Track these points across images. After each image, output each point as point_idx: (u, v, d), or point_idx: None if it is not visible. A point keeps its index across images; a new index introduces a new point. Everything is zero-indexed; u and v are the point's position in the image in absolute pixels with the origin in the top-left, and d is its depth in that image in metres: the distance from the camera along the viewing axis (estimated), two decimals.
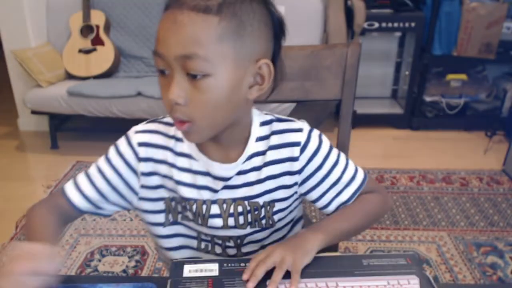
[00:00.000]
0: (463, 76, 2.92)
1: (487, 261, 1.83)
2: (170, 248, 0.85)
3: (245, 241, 0.82)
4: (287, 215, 0.84)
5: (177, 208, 0.79)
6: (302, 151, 0.77)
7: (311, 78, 1.01)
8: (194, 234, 0.82)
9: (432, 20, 2.74)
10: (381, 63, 3.12)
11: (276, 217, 0.81)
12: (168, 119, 0.78)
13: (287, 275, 0.67)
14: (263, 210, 0.79)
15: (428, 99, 2.96)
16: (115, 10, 2.79)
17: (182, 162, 0.76)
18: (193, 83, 0.64)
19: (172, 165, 0.76)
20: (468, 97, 2.96)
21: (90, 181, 0.77)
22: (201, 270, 0.70)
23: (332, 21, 2.69)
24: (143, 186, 0.78)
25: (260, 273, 0.66)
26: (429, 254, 1.87)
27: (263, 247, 0.84)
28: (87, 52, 2.72)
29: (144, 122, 0.79)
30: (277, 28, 0.70)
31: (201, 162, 0.76)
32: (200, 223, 0.78)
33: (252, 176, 0.77)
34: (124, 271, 1.76)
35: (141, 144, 0.76)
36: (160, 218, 0.82)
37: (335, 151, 0.80)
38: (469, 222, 2.07)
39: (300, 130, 0.77)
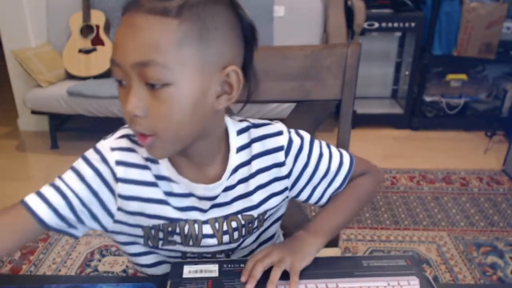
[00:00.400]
0: (463, 76, 2.92)
1: (487, 261, 1.83)
2: (146, 265, 0.80)
3: (236, 251, 0.80)
4: (273, 214, 0.81)
5: (157, 235, 0.72)
6: (286, 154, 0.73)
7: (311, 78, 1.01)
8: (178, 254, 0.77)
9: (432, 20, 2.74)
10: (381, 63, 3.12)
11: (265, 223, 0.80)
12: None
13: (285, 276, 0.67)
14: (256, 222, 0.76)
15: (428, 99, 2.96)
16: (115, 10, 2.79)
17: (162, 185, 0.69)
18: (153, 93, 0.58)
19: (154, 185, 0.69)
20: (468, 97, 2.96)
21: (59, 192, 0.67)
22: (201, 271, 0.69)
23: (332, 21, 2.69)
24: (120, 209, 0.69)
25: (258, 273, 0.65)
26: (429, 254, 1.87)
27: (252, 251, 0.83)
28: (87, 52, 2.72)
29: (115, 136, 0.70)
30: (248, 33, 0.64)
31: (182, 185, 0.69)
32: (192, 244, 0.73)
33: (240, 189, 0.72)
34: (124, 271, 1.76)
35: (118, 163, 0.67)
36: (137, 248, 0.76)
37: (316, 143, 0.77)
38: (469, 222, 2.07)
39: (280, 133, 0.73)
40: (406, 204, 2.21)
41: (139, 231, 0.72)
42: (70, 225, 0.68)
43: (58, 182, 0.68)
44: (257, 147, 0.72)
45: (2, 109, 3.20)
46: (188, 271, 0.69)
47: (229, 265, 0.71)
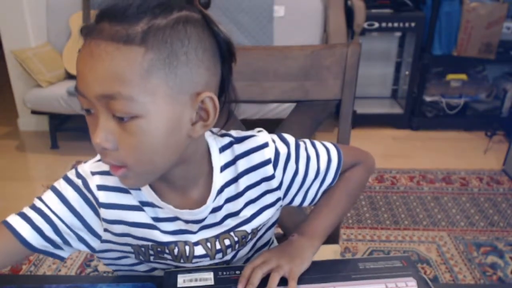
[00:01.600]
0: (463, 76, 2.92)
1: (487, 261, 1.83)
2: (144, 271, 0.78)
3: (231, 262, 0.77)
4: (267, 223, 0.78)
5: (148, 252, 0.70)
6: (275, 166, 0.69)
7: (311, 78, 1.01)
8: (170, 266, 0.74)
9: (432, 20, 2.74)
10: (381, 63, 3.12)
11: (259, 232, 0.77)
12: None
13: (283, 282, 0.66)
14: (249, 236, 0.73)
15: (428, 99, 2.96)
16: None
17: (147, 210, 0.66)
18: (122, 126, 0.54)
19: (139, 209, 0.66)
20: (468, 97, 2.96)
21: (41, 214, 0.64)
22: (196, 280, 0.67)
23: (332, 21, 2.69)
24: (106, 230, 0.67)
25: (257, 280, 0.64)
26: (429, 254, 1.87)
27: (248, 259, 0.81)
28: None
29: (95, 159, 0.68)
30: (224, 49, 0.60)
31: (166, 210, 0.66)
32: (183, 262, 0.71)
33: (228, 208, 0.69)
34: None
35: (100, 188, 0.64)
36: (129, 260, 0.74)
37: (302, 147, 0.73)
38: (469, 222, 2.07)
39: (265, 145, 0.69)
40: (406, 204, 2.21)
41: (129, 248, 0.70)
42: (56, 246, 0.66)
43: (39, 205, 0.65)
44: (242, 164, 0.68)
45: (2, 109, 3.20)
46: (183, 280, 0.67)
47: (225, 273, 0.69)
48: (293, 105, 1.02)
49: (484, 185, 2.36)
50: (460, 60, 2.81)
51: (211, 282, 0.67)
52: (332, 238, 1.09)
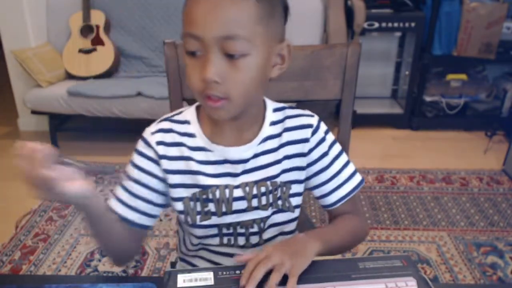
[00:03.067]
0: (463, 76, 2.92)
1: (487, 261, 1.83)
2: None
3: (267, 224, 0.82)
4: (301, 204, 0.85)
5: (195, 207, 0.80)
6: (313, 133, 0.81)
7: (311, 78, 1.01)
8: (214, 231, 0.82)
9: (432, 20, 2.74)
10: (381, 63, 3.12)
11: (293, 201, 0.83)
12: (179, 117, 0.81)
13: (283, 280, 0.66)
14: (279, 190, 0.81)
15: (428, 99, 2.96)
16: (115, 10, 2.79)
17: (198, 155, 0.78)
18: (231, 62, 0.66)
19: (189, 159, 0.78)
20: (468, 97, 2.96)
21: (126, 190, 0.80)
22: (196, 280, 0.68)
23: (332, 21, 2.69)
24: (167, 183, 0.80)
25: (260, 275, 0.66)
26: (429, 254, 1.87)
27: (282, 233, 0.86)
28: (87, 52, 2.72)
29: (156, 121, 0.81)
30: (286, 9, 0.75)
31: (217, 152, 0.78)
32: (224, 210, 0.79)
33: (269, 158, 0.80)
34: (124, 271, 1.76)
35: (158, 143, 0.78)
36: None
37: (338, 145, 0.84)
38: (469, 222, 2.08)
39: (312, 115, 0.83)
40: (406, 204, 2.21)
41: (180, 206, 0.80)
42: (147, 214, 0.80)
43: (125, 183, 0.80)
44: (289, 122, 0.81)
45: (2, 109, 3.19)
46: (183, 280, 0.68)
47: (224, 273, 0.69)
48: (293, 105, 1.02)
49: (484, 185, 2.36)
50: (460, 60, 2.81)
51: (211, 282, 0.67)
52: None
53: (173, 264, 1.03)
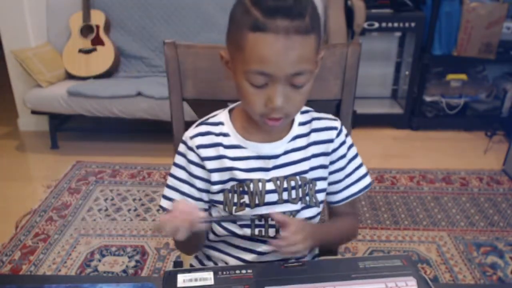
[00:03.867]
0: (463, 76, 2.92)
1: (487, 261, 1.83)
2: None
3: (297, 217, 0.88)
4: (320, 192, 0.91)
5: (233, 199, 0.86)
6: (337, 135, 0.88)
7: None
8: (247, 222, 0.88)
9: (432, 20, 2.74)
10: (381, 63, 3.12)
11: (319, 197, 0.89)
12: (214, 119, 0.87)
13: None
14: (307, 187, 0.87)
15: (428, 99, 2.96)
16: (115, 10, 2.79)
17: (233, 152, 0.84)
18: (294, 89, 0.73)
19: (225, 157, 0.84)
20: (468, 97, 2.96)
21: (174, 189, 0.87)
22: (196, 280, 0.68)
23: (332, 21, 2.69)
24: (208, 181, 0.86)
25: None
26: (429, 254, 1.87)
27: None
28: (87, 52, 2.72)
29: (193, 126, 0.88)
30: None
31: (250, 148, 0.84)
32: (257, 202, 0.84)
33: (298, 155, 0.86)
34: (124, 271, 1.76)
35: (199, 147, 0.84)
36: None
37: (355, 148, 0.91)
38: (469, 222, 2.08)
39: (336, 119, 0.90)
40: (406, 204, 2.21)
41: (220, 197, 0.86)
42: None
43: (170, 181, 0.87)
44: (316, 124, 0.88)
45: (2, 109, 3.19)
46: (183, 280, 0.68)
47: (224, 272, 0.69)
48: None
49: (484, 185, 2.36)
50: (460, 60, 2.81)
51: (211, 282, 0.68)
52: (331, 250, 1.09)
53: (175, 264, 1.04)
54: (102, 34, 2.73)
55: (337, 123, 0.89)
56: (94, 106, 2.53)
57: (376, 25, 2.78)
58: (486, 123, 2.92)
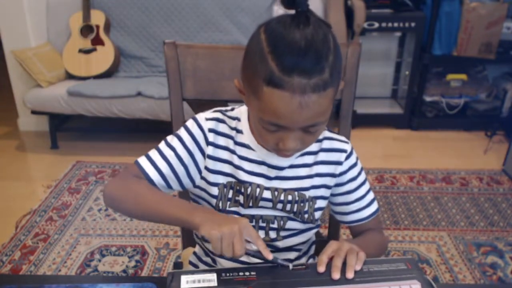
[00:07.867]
0: (463, 76, 2.92)
1: (487, 261, 1.83)
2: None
3: (287, 225, 0.87)
4: (317, 211, 0.90)
5: (228, 194, 0.85)
6: (347, 158, 0.87)
7: None
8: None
9: (432, 20, 2.74)
10: (381, 63, 3.12)
11: (316, 215, 0.88)
12: (232, 113, 0.86)
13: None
14: (307, 204, 0.86)
15: (428, 99, 2.96)
16: (115, 10, 2.79)
17: (241, 151, 0.84)
18: (307, 133, 0.73)
19: (233, 152, 0.84)
20: (468, 97, 2.96)
21: (163, 156, 0.83)
22: (199, 281, 0.68)
23: (332, 21, 2.69)
24: (206, 168, 0.85)
25: (340, 263, 0.71)
26: (429, 254, 1.87)
27: (301, 232, 0.90)
28: (87, 52, 2.72)
29: (211, 110, 0.87)
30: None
31: (258, 153, 0.83)
32: (251, 204, 0.84)
33: (303, 171, 0.86)
34: (124, 271, 1.76)
35: (210, 130, 0.84)
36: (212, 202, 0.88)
37: (364, 173, 0.91)
38: (469, 222, 2.08)
39: (347, 142, 0.89)
40: (406, 204, 2.21)
41: (215, 190, 0.85)
42: (168, 184, 0.84)
43: (162, 146, 0.85)
44: (326, 144, 0.87)
45: (2, 109, 3.19)
46: (186, 281, 0.68)
47: (228, 274, 0.69)
48: None
49: (484, 185, 2.36)
50: (460, 60, 2.81)
51: (215, 284, 0.67)
52: (332, 238, 1.09)
53: (175, 265, 1.03)
54: (102, 34, 2.73)
55: (347, 146, 0.88)
56: (94, 106, 2.53)
57: (376, 25, 2.78)
58: (486, 123, 2.92)
